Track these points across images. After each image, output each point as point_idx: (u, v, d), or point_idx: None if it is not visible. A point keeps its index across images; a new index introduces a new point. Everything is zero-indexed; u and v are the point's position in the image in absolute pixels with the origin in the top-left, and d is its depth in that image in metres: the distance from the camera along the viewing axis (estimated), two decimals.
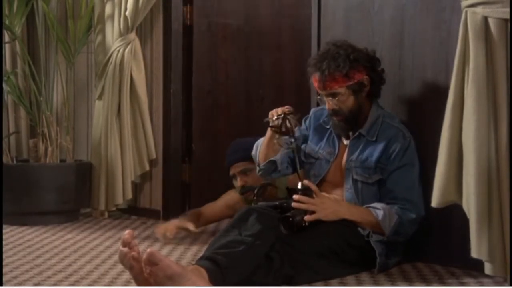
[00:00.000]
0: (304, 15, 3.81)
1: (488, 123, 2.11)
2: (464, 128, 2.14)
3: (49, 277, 2.38)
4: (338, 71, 2.44)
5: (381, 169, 2.47)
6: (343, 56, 2.45)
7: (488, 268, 2.15)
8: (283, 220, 2.30)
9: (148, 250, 1.92)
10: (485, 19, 2.10)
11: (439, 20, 2.57)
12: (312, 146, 2.64)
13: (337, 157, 2.58)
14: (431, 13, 2.60)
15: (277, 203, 2.43)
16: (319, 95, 2.56)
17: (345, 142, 2.59)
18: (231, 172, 3.07)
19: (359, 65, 2.47)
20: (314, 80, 2.51)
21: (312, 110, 2.77)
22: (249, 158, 2.85)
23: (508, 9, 2.05)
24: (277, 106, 3.91)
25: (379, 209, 2.39)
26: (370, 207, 2.42)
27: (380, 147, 2.49)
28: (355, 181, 2.51)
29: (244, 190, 2.99)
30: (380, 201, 2.46)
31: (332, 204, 2.38)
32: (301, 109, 3.53)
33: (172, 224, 2.98)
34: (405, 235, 2.46)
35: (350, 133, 2.57)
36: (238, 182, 3.03)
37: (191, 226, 2.93)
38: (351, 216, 2.38)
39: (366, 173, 2.47)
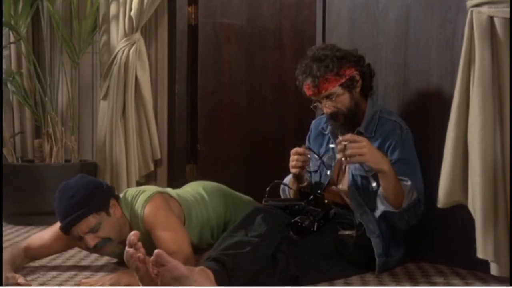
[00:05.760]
0: (305, 15, 3.82)
1: (494, 123, 2.10)
2: (470, 128, 2.14)
3: (54, 277, 2.39)
4: (329, 71, 2.46)
5: None
6: (330, 56, 2.47)
7: (494, 269, 2.14)
8: (292, 225, 2.31)
9: (156, 251, 1.92)
10: (491, 18, 2.09)
11: (444, 20, 2.56)
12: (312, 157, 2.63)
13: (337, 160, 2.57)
14: (436, 13, 2.60)
15: (287, 204, 2.44)
16: (314, 103, 2.56)
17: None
18: (74, 234, 2.33)
19: (347, 61, 2.49)
20: (307, 88, 2.51)
21: (312, 123, 2.79)
22: (92, 211, 2.30)
23: None
24: (279, 106, 3.97)
25: (406, 180, 2.39)
26: (399, 177, 2.40)
27: (377, 141, 2.50)
28: (354, 176, 2.51)
29: (99, 246, 2.35)
30: None
31: (379, 154, 2.36)
32: (303, 110, 3.55)
33: None
34: (410, 221, 2.43)
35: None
36: (89, 242, 2.32)
37: (20, 279, 2.23)
38: (389, 172, 2.33)
39: (365, 166, 2.46)
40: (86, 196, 2.32)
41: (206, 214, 2.68)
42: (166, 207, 2.47)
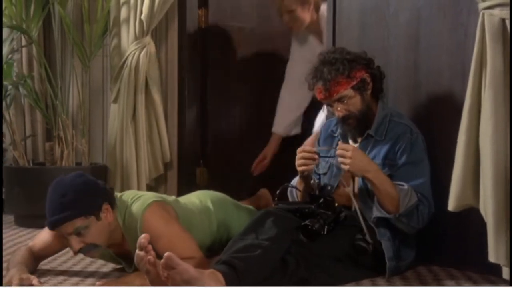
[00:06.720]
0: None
1: (506, 126, 2.09)
2: (481, 132, 2.12)
3: (65, 280, 2.39)
4: (340, 74, 2.46)
5: (390, 165, 2.46)
6: (340, 59, 2.47)
7: (506, 273, 2.13)
8: (302, 228, 2.30)
9: (166, 254, 1.93)
10: (503, 21, 2.08)
11: (456, 22, 2.55)
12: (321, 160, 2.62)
13: None
14: (448, 16, 2.59)
15: (298, 207, 2.43)
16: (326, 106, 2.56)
17: (355, 146, 2.59)
18: (60, 232, 2.30)
19: (357, 64, 2.49)
20: (318, 92, 2.51)
21: (322, 126, 2.78)
22: (80, 215, 2.24)
23: None
24: None
25: (403, 185, 2.38)
26: (395, 182, 2.40)
27: (388, 144, 2.49)
28: (364, 179, 2.49)
29: (84, 251, 2.31)
30: None
31: (365, 161, 2.37)
32: (312, 109, 3.56)
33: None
34: (414, 225, 2.41)
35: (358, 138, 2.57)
36: (74, 246, 2.28)
37: (35, 281, 2.23)
38: (374, 179, 2.35)
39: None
40: (77, 197, 2.24)
41: (208, 225, 2.64)
42: (165, 215, 2.38)
